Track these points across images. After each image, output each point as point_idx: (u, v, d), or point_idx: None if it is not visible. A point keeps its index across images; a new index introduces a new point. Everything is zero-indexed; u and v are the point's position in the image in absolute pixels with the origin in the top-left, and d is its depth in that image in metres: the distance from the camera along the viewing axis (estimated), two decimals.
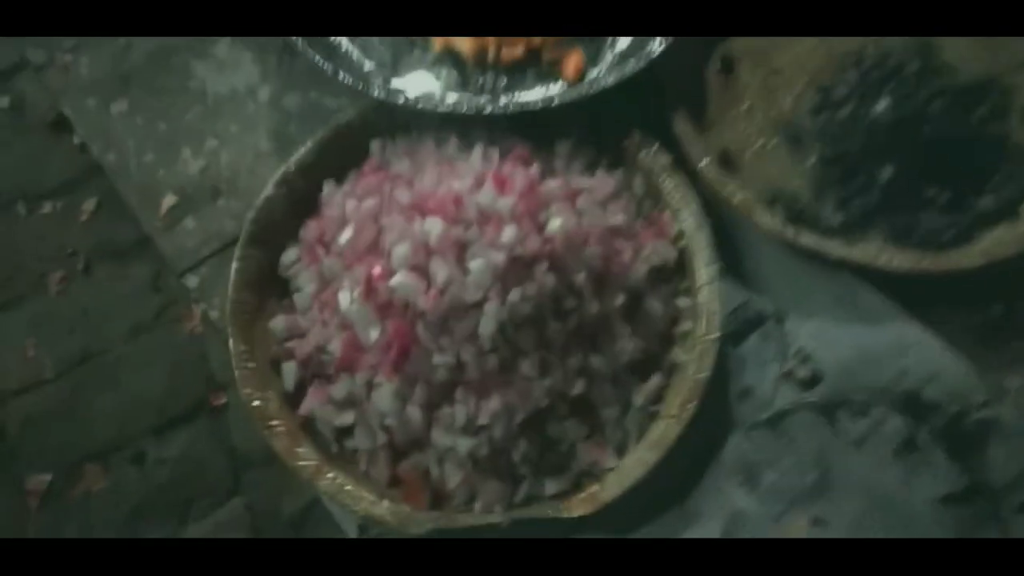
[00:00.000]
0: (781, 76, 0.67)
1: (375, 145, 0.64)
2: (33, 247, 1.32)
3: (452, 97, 0.64)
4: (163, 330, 1.26)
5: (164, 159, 0.72)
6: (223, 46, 0.76)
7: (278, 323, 0.59)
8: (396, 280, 0.53)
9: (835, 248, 0.59)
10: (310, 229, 0.61)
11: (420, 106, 0.62)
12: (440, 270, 0.52)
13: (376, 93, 0.63)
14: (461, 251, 0.53)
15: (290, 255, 0.62)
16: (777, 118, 0.66)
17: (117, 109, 0.75)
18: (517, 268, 0.52)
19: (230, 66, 0.75)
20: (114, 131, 0.73)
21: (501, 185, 0.56)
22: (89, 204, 1.35)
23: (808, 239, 0.59)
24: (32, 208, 1.36)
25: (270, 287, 0.61)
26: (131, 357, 1.24)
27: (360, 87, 0.63)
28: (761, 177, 0.63)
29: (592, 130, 0.64)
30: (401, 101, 0.62)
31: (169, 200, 0.70)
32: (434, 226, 0.53)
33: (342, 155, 0.64)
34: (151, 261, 1.25)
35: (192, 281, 0.67)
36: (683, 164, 0.62)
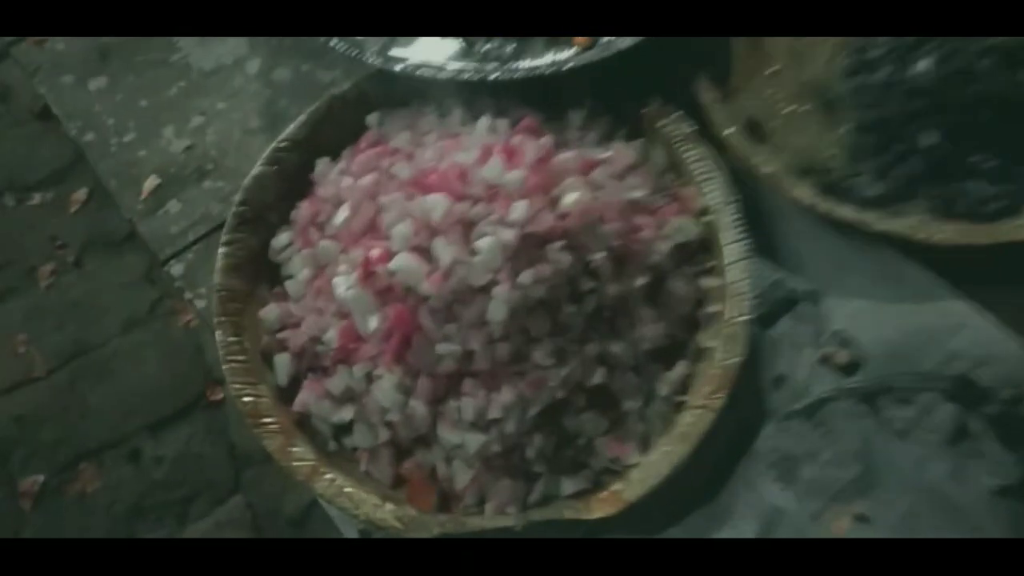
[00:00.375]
0: (811, 37, 0.62)
1: (372, 118, 0.61)
2: (22, 239, 1.31)
3: (455, 64, 0.60)
4: (158, 323, 1.24)
5: (146, 138, 0.69)
6: None
7: (270, 312, 0.56)
8: (396, 263, 0.50)
9: (874, 221, 0.56)
10: (303, 210, 0.58)
11: (420, 74, 0.59)
12: (444, 251, 0.49)
13: (372, 61, 0.60)
14: (467, 230, 0.50)
15: (281, 239, 0.59)
16: (808, 82, 0.62)
17: (95, 86, 0.72)
18: (529, 247, 0.49)
19: (215, 38, 0.71)
20: (92, 109, 0.71)
21: (510, 157, 0.52)
22: (79, 194, 1.33)
23: (845, 212, 0.56)
24: (21, 199, 1.34)
25: (260, 273, 0.58)
26: (125, 352, 1.22)
27: (355, 55, 0.60)
28: (792, 146, 0.60)
29: (607, 98, 0.60)
30: (400, 69, 0.59)
31: (152, 182, 0.67)
32: (437, 203, 0.50)
33: (336, 130, 0.61)
34: (144, 252, 1.23)
35: (177, 269, 0.64)
36: (707, 133, 0.59)
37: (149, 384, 1.20)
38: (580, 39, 0.61)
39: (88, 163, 0.70)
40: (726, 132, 0.58)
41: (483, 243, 0.48)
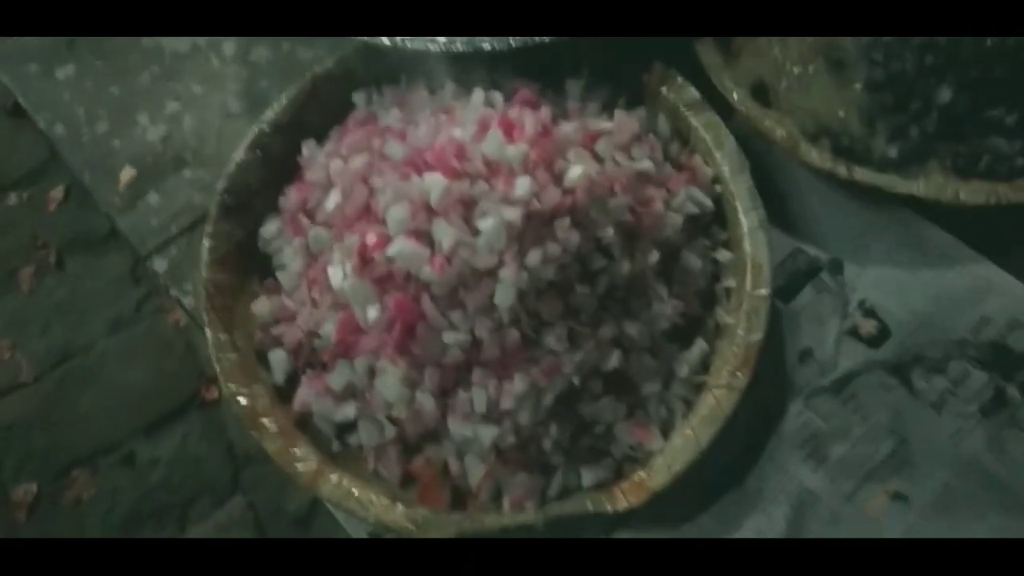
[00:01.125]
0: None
1: (359, 96, 0.58)
2: (0, 242, 1.26)
3: (445, 36, 0.57)
4: (146, 322, 1.21)
5: (119, 128, 0.66)
6: None
7: (261, 306, 0.54)
8: (394, 248, 0.47)
9: (894, 183, 0.53)
10: (291, 196, 0.56)
11: (409, 47, 0.55)
12: (445, 233, 0.46)
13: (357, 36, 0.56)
14: (468, 210, 0.47)
15: (270, 228, 0.56)
16: (815, 41, 0.59)
17: (63, 74, 0.68)
18: (535, 226, 0.46)
19: None
20: (61, 99, 0.67)
21: (509, 131, 0.49)
22: (57, 193, 1.30)
23: (862, 175, 0.54)
24: None
25: (249, 266, 0.56)
26: (113, 353, 1.19)
27: None
28: (802, 108, 0.57)
29: (606, 65, 0.58)
30: (386, 43, 0.55)
31: (128, 174, 0.64)
32: (434, 183, 0.47)
33: (322, 111, 0.58)
34: (127, 249, 1.19)
35: (161, 264, 0.61)
36: (712, 98, 0.56)
37: (140, 385, 1.18)
38: None
39: (63, 159, 0.67)
40: (732, 97, 0.56)
41: (486, 223, 0.46)
